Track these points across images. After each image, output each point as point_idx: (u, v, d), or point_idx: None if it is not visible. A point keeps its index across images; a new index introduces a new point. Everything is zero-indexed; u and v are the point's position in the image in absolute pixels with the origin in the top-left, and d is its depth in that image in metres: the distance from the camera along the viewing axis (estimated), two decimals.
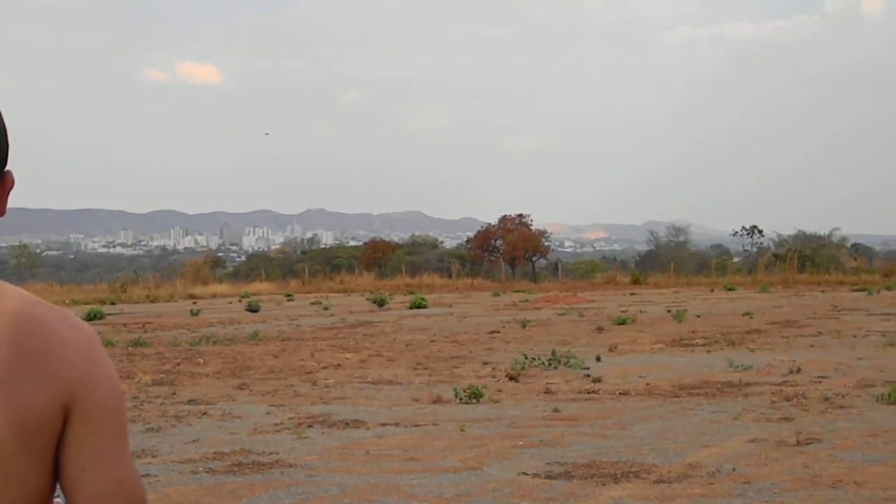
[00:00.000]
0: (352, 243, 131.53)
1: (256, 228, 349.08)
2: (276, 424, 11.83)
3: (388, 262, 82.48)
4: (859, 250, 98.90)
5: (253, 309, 39.23)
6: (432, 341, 23.82)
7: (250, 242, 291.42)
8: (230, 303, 49.14)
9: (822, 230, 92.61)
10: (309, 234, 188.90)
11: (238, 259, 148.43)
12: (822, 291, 51.16)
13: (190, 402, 14.01)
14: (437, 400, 13.65)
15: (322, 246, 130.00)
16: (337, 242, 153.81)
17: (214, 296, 58.16)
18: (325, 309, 40.42)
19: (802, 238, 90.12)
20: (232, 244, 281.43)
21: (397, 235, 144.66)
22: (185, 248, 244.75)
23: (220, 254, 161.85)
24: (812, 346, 21.01)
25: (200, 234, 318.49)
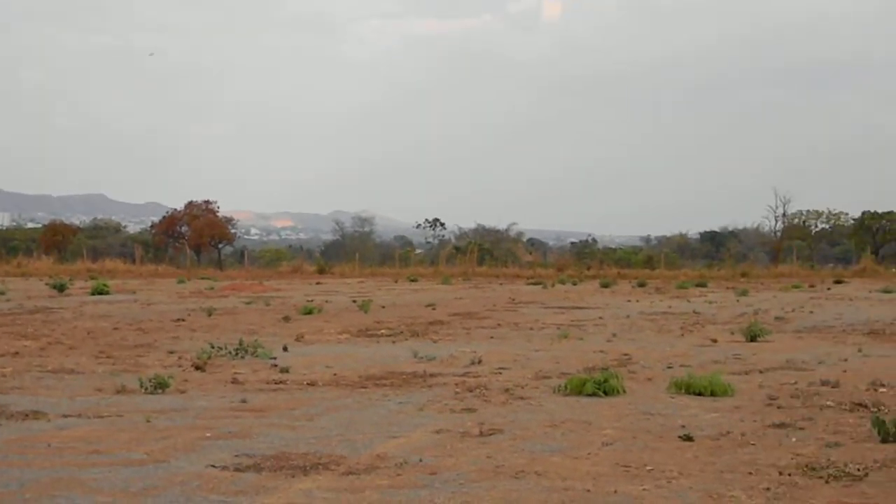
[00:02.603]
0: (30, 225, 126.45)
1: None
2: None
3: (69, 246, 79.98)
4: (535, 245, 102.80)
5: None
6: (115, 329, 23.26)
7: None
8: None
9: (501, 224, 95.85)
10: None
11: None
12: (501, 284, 52.95)
13: None
14: (122, 390, 13.33)
15: None
16: (14, 224, 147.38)
17: None
18: (2, 294, 38.79)
19: (482, 231, 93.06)
20: None
21: (78, 218, 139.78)
22: None
23: None
24: (492, 337, 21.69)
25: None
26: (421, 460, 8.92)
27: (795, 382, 14.14)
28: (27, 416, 11.29)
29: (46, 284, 44.80)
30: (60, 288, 40.81)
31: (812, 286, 49.04)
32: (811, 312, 29.63)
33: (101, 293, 38.93)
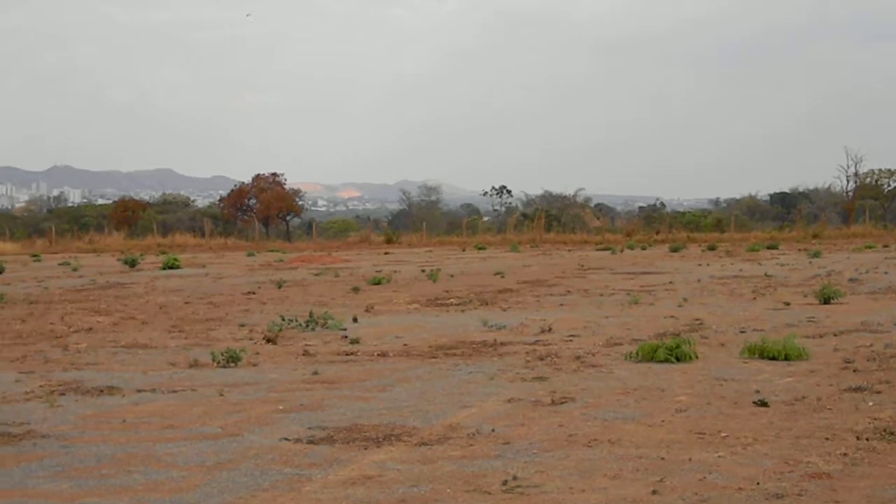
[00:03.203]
0: (100, 201, 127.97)
1: None
2: (27, 392, 11.42)
3: (139, 221, 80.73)
4: (602, 210, 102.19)
5: None
6: (187, 303, 23.44)
7: None
8: None
9: (568, 190, 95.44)
10: (55, 192, 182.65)
11: None
12: (569, 250, 52.71)
13: None
14: (194, 364, 13.43)
15: (69, 204, 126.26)
16: (85, 201, 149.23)
17: None
18: (74, 270, 39.30)
19: (549, 198, 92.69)
20: None
21: (148, 194, 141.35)
22: None
23: None
24: (562, 304, 21.60)
25: None
26: (493, 430, 8.90)
27: (871, 345, 13.95)
28: (102, 391, 11.41)
29: (118, 260, 45.30)
30: (132, 263, 41.22)
31: (886, 246, 48.40)
32: (885, 273, 29.22)
33: (171, 268, 39.25)
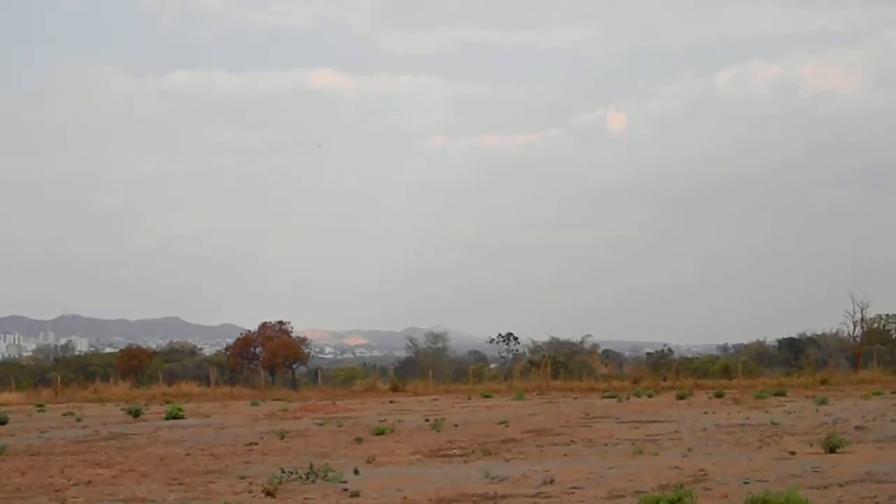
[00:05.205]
0: (108, 350, 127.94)
1: (7, 335, 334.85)
2: None
3: (146, 369, 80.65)
4: (610, 356, 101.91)
5: (0, 421, 37.67)
6: (188, 454, 23.32)
7: (0, 350, 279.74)
8: None
9: (575, 337, 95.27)
10: (63, 341, 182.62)
11: None
12: (575, 398, 52.45)
13: None
14: None
15: (77, 353, 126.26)
16: (92, 349, 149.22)
17: None
18: (78, 420, 39.19)
19: (556, 344, 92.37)
20: None
21: (155, 342, 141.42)
22: None
23: None
24: (565, 455, 21.45)
25: None
26: None
27: (875, 496, 13.84)
28: None
29: (122, 410, 45.16)
30: (136, 413, 41.10)
31: (894, 392, 48.12)
32: (893, 421, 29.02)
33: (175, 417, 39.10)
